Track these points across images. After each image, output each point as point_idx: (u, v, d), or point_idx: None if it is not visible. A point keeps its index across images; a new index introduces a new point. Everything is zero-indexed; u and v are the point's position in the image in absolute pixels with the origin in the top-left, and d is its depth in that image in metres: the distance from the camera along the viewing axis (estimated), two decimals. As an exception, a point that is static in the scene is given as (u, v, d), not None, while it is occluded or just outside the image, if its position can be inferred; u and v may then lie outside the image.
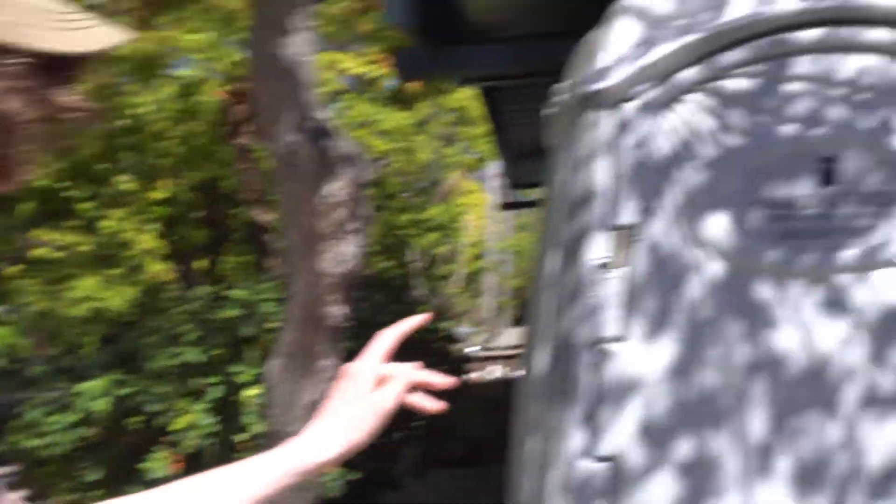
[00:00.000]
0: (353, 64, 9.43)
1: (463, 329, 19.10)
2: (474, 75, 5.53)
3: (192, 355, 4.23)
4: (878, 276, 2.67)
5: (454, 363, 7.49)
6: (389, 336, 1.11)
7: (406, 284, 13.19)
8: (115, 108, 9.12)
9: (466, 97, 13.52)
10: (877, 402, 2.64)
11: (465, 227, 22.18)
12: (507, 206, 14.68)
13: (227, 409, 4.17)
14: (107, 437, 4.17)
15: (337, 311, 2.92)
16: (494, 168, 17.75)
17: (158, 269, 11.37)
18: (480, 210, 23.24)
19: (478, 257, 23.75)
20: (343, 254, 2.85)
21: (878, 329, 2.65)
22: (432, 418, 7.07)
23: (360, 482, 6.34)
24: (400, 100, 10.48)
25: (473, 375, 12.37)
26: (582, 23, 2.98)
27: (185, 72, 9.52)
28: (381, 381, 1.07)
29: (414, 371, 1.11)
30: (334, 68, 9.28)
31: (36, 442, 4.09)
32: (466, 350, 13.76)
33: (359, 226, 2.89)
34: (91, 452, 4.13)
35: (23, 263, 16.89)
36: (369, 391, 1.05)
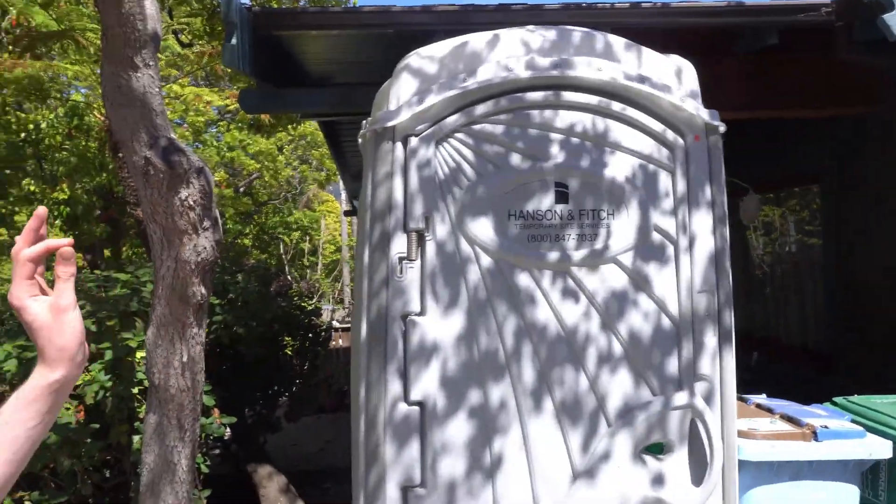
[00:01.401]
0: (216, 98, 9.09)
1: (325, 306, 18.87)
2: (309, 112, 5.45)
3: (86, 325, 3.99)
4: (604, 269, 2.83)
5: (319, 333, 7.36)
6: (22, 258, 0.88)
7: (278, 272, 12.84)
8: (15, 123, 8.45)
9: (316, 128, 13.33)
10: (610, 360, 2.81)
11: (322, 228, 21.86)
12: (349, 213, 14.59)
13: (122, 369, 3.96)
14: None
15: (199, 290, 2.82)
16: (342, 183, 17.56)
17: (70, 260, 10.65)
18: (334, 216, 22.97)
19: (335, 251, 23.46)
20: (200, 245, 2.75)
21: (606, 307, 2.81)
22: (305, 375, 7.02)
23: (247, 425, 6.18)
24: (260, 128, 10.20)
25: (336, 343, 12.22)
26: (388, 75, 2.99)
27: (75, 95, 8.93)
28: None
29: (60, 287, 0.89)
30: (201, 100, 8.92)
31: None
32: (332, 321, 13.58)
33: (210, 223, 2.79)
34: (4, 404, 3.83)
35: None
36: (49, 316, 0.87)
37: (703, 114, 2.91)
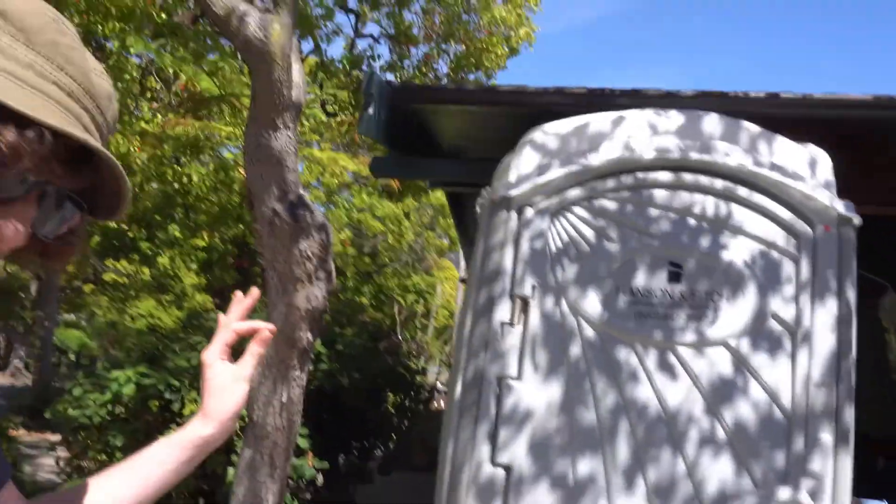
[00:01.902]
0: (350, 164, 9.63)
1: (432, 368, 18.96)
2: (436, 180, 5.65)
3: (201, 359, 4.27)
4: (710, 351, 2.75)
5: (421, 392, 7.44)
6: (230, 327, 0.99)
7: (392, 331, 13.13)
8: (171, 175, 9.26)
9: (443, 197, 13.70)
10: (711, 445, 2.70)
11: (438, 294, 22.19)
12: (465, 280, 14.74)
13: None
14: (132, 414, 4.16)
15: (305, 335, 2.96)
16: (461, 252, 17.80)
17: (200, 300, 11.44)
18: (452, 282, 23.29)
19: (448, 316, 23.67)
20: (312, 294, 2.90)
21: (712, 390, 2.72)
22: (402, 431, 7.08)
23: (338, 474, 6.27)
24: (391, 195, 10.63)
25: (437, 404, 12.24)
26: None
27: (227, 154, 9.74)
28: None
29: (252, 351, 0.99)
30: (336, 164, 9.47)
31: (77, 412, 4.09)
32: (436, 383, 13.63)
33: (325, 275, 2.94)
34: (118, 424, 4.13)
35: (95, 284, 16.89)
36: (228, 380, 0.96)
37: (837, 204, 2.82)
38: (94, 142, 0.65)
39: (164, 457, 0.92)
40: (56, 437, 4.92)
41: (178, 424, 4.15)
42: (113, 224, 10.38)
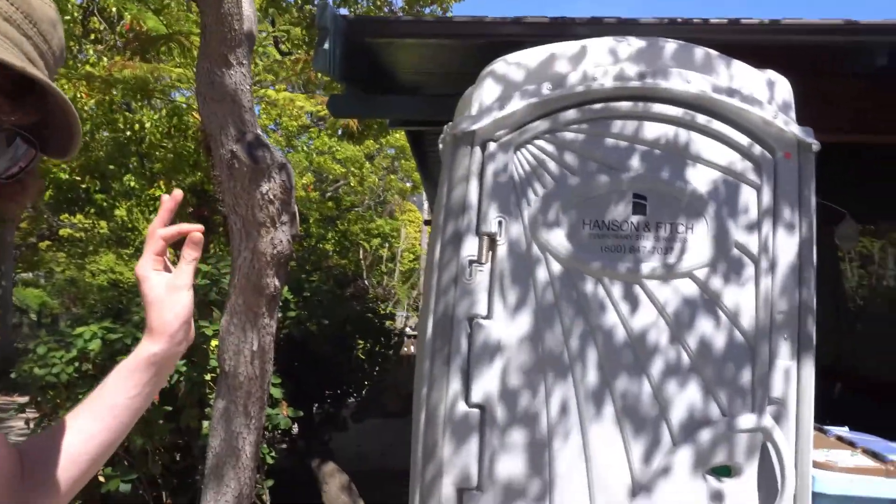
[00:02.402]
0: (308, 104, 9.43)
1: (400, 313, 19.11)
2: (396, 119, 5.56)
3: None
4: (676, 282, 2.78)
5: (392, 337, 7.48)
6: (156, 235, 0.95)
7: (358, 276, 13.13)
8: (122, 122, 8.98)
9: (404, 139, 13.56)
10: (677, 372, 2.75)
11: (402, 237, 22.16)
12: (429, 223, 14.74)
13: (197, 355, 4.14)
14: (100, 370, 4.12)
15: (272, 282, 2.92)
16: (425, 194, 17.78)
17: (162, 253, 11.25)
18: (416, 225, 23.26)
19: (413, 260, 23.73)
20: (276, 238, 2.85)
21: (677, 319, 2.76)
22: (374, 378, 7.15)
23: (313, 423, 6.33)
24: (351, 136, 10.46)
25: (408, 350, 12.34)
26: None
27: (180, 98, 9.45)
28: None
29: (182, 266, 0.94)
30: (294, 105, 9.27)
31: (43, 371, 4.04)
32: (405, 328, 13.74)
33: (288, 217, 2.89)
34: (87, 381, 4.09)
35: (51, 240, 16.58)
36: (164, 291, 0.92)
37: (796, 130, 2.83)
38: (35, 70, 0.61)
39: (123, 384, 0.90)
40: (24, 399, 4.86)
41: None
42: (64, 175, 10.06)
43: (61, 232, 16.46)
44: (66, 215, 14.31)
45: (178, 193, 0.97)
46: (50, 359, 4.07)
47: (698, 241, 2.81)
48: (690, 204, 2.82)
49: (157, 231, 0.94)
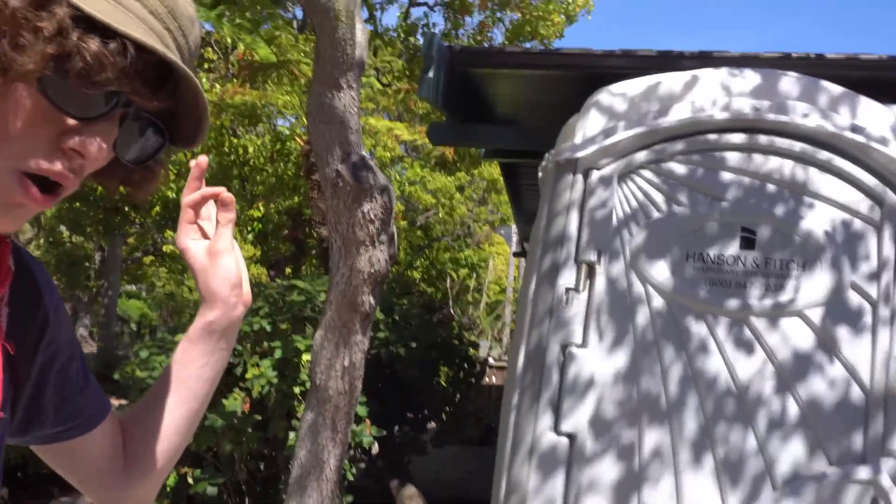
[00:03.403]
0: (405, 133, 9.63)
1: (483, 343, 19.02)
2: (492, 149, 5.58)
3: (262, 324, 4.36)
4: (785, 323, 2.65)
5: (475, 366, 7.47)
6: (189, 205, 0.91)
7: (443, 305, 13.20)
8: (228, 146, 9.40)
9: (496, 171, 13.64)
10: (784, 422, 2.60)
11: (490, 269, 22.16)
12: (518, 254, 14.70)
13: (288, 368, 4.24)
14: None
15: (368, 299, 2.96)
16: (514, 226, 17.74)
17: (255, 272, 11.67)
18: (503, 258, 23.23)
19: (500, 291, 23.65)
20: (374, 257, 2.89)
21: (786, 364, 2.62)
22: (455, 405, 7.13)
23: (393, 444, 6.35)
24: (444, 165, 10.59)
25: (490, 380, 12.27)
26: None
27: (282, 127, 9.82)
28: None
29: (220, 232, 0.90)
30: (391, 133, 9.48)
31: (144, 374, 4.22)
32: (487, 359, 13.67)
33: (387, 238, 2.93)
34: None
35: (154, 255, 17.48)
36: (205, 257, 0.89)
37: (923, 170, 2.66)
38: (176, 58, 0.64)
39: (188, 356, 0.90)
40: (123, 402, 5.11)
41: (241, 388, 4.25)
42: (171, 193, 10.60)
43: (165, 248, 17.35)
44: (171, 233, 15.11)
45: (202, 160, 0.93)
46: (151, 362, 4.26)
47: (811, 281, 2.67)
48: (805, 241, 2.69)
49: (184, 199, 0.92)
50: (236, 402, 4.21)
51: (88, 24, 0.59)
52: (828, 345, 2.63)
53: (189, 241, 0.90)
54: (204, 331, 0.89)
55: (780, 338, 2.64)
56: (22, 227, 0.71)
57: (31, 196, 0.63)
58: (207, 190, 0.91)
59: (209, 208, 0.92)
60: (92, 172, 0.69)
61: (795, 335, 2.64)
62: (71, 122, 0.62)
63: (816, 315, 2.64)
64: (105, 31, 0.59)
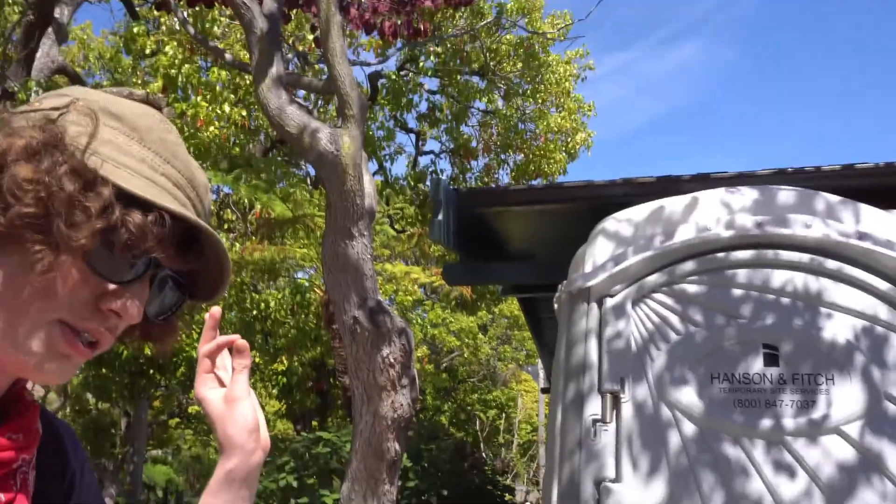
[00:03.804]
0: (422, 276, 9.77)
1: (519, 487, 18.24)
2: (508, 286, 5.63)
3: (288, 479, 4.26)
4: (824, 440, 2.56)
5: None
6: (206, 355, 0.93)
7: (474, 448, 12.81)
8: (248, 301, 9.55)
9: (517, 307, 13.67)
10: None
11: (520, 408, 21.68)
12: (546, 390, 14.41)
13: (316, 526, 4.08)
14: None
15: (393, 446, 2.89)
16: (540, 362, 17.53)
17: (281, 427, 11.48)
18: (532, 395, 22.78)
19: (531, 431, 22.98)
20: (397, 402, 2.86)
21: (832, 486, 2.50)
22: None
23: None
24: (464, 306, 10.65)
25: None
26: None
27: (301, 279, 10.01)
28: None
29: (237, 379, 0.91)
30: (409, 277, 9.62)
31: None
32: (524, 503, 13.04)
33: (409, 382, 2.91)
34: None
35: (180, 417, 17.31)
36: (222, 405, 0.90)
37: (937, 272, 2.65)
38: (204, 224, 0.72)
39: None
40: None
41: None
42: (195, 353, 10.69)
43: (190, 409, 17.23)
44: (192, 393, 15.09)
45: (216, 311, 0.95)
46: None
47: (844, 394, 2.59)
48: (829, 353, 2.64)
49: (200, 350, 0.95)
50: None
51: (128, 199, 0.67)
52: (871, 461, 2.51)
53: (206, 390, 0.92)
54: (224, 480, 0.89)
55: (820, 456, 2.53)
56: (69, 379, 0.75)
57: (75, 347, 0.68)
58: (222, 339, 0.94)
59: (224, 358, 0.95)
60: None
61: (836, 453, 2.53)
62: (111, 286, 0.68)
63: (854, 429, 2.54)
64: (143, 205, 0.67)
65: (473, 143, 9.68)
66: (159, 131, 0.73)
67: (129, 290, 0.69)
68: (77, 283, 0.66)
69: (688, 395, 2.65)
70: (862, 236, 2.73)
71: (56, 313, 0.67)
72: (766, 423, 2.59)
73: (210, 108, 6.38)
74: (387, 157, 9.21)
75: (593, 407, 2.69)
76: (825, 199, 2.87)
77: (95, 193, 0.65)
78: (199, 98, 6.40)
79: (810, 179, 3.94)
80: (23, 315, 0.66)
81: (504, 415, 19.57)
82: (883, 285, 2.68)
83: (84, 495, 0.83)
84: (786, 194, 2.88)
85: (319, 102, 8.82)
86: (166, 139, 0.73)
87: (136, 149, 0.70)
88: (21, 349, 0.66)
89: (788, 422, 2.58)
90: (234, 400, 0.90)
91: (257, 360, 10.81)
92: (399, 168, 21.38)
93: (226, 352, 0.94)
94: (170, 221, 0.68)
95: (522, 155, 9.36)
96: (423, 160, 10.04)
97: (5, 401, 0.73)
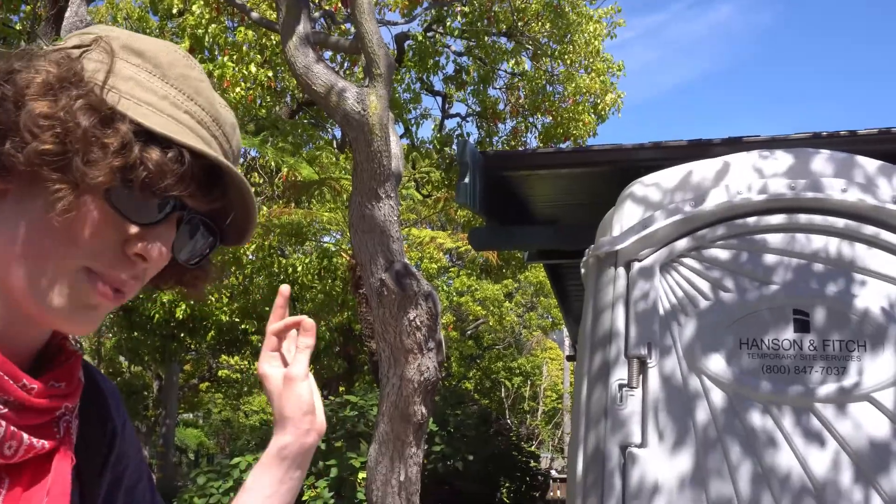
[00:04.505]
0: (448, 241, 9.77)
1: (544, 454, 18.40)
2: (534, 251, 5.61)
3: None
4: (853, 408, 2.53)
5: (538, 479, 7.20)
6: (273, 333, 0.94)
7: (499, 415, 12.92)
8: (276, 266, 9.63)
9: (542, 274, 13.65)
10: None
11: (545, 376, 21.76)
12: (571, 358, 14.43)
13: (344, 487, 4.17)
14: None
15: (420, 409, 2.93)
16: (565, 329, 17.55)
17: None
18: (558, 363, 22.84)
19: (556, 399, 23.09)
20: (423, 365, 2.88)
21: (862, 455, 2.49)
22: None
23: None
24: (489, 272, 10.65)
25: (554, 494, 11.74)
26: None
27: (328, 244, 10.07)
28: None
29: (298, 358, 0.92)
30: (435, 243, 9.62)
31: (202, 501, 4.18)
32: (549, 471, 13.17)
33: (435, 345, 2.93)
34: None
35: (210, 381, 17.68)
36: (281, 383, 0.91)
37: (977, 237, 2.59)
38: (225, 160, 0.70)
39: (259, 483, 0.90)
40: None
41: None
42: (225, 317, 10.83)
43: (220, 373, 17.58)
44: (226, 357, 15.32)
45: (285, 290, 0.96)
46: (208, 489, 4.24)
47: (876, 362, 2.55)
48: (861, 319, 2.60)
49: (268, 327, 0.95)
50: (295, 527, 4.13)
51: (148, 136, 0.65)
52: (904, 428, 2.48)
53: (269, 367, 0.94)
54: (276, 456, 0.90)
55: (851, 425, 2.51)
56: (95, 328, 0.73)
57: (102, 293, 0.67)
58: (291, 319, 0.95)
59: (290, 338, 0.95)
60: None
61: (867, 421, 2.50)
62: (134, 228, 0.67)
63: (886, 397, 2.51)
64: (163, 142, 0.66)
65: (501, 106, 9.58)
66: (182, 67, 0.72)
67: (153, 233, 0.68)
68: (99, 224, 0.66)
69: (716, 363, 2.64)
70: (899, 201, 2.66)
71: (81, 260, 0.66)
72: (796, 390, 2.57)
73: (237, 69, 6.38)
74: (413, 121, 9.16)
75: (620, 373, 2.69)
76: (861, 163, 2.80)
77: (113, 129, 0.64)
78: (225, 59, 6.40)
79: (846, 144, 3.85)
80: (47, 264, 0.66)
81: (529, 382, 19.68)
82: (921, 251, 2.63)
83: (126, 450, 0.84)
84: (820, 158, 2.82)
85: (346, 64, 8.77)
86: (189, 75, 0.72)
87: (159, 85, 0.69)
88: (47, 299, 0.66)
89: (818, 389, 2.56)
90: (293, 379, 0.91)
91: (284, 325, 10.93)
92: (425, 132, 21.27)
93: (292, 332, 0.95)
94: (189, 159, 0.67)
95: (550, 118, 9.24)
96: (450, 123, 10.01)
97: (47, 352, 0.74)
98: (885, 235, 2.65)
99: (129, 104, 0.66)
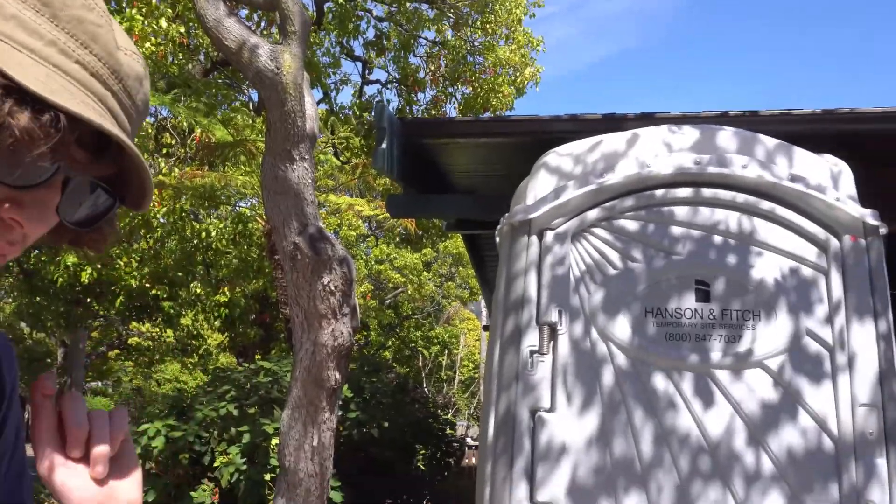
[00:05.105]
0: (366, 208, 9.71)
1: (460, 422, 18.70)
2: (452, 220, 5.64)
3: (229, 408, 4.27)
4: (748, 374, 2.68)
5: (452, 445, 7.31)
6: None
7: (417, 384, 13.05)
8: (188, 230, 9.36)
9: (461, 245, 13.76)
10: (760, 478, 2.60)
11: (462, 345, 22.06)
12: (487, 328, 14.69)
13: (257, 453, 4.13)
14: (163, 469, 4.13)
15: (333, 374, 2.91)
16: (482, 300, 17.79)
17: (224, 361, 11.47)
18: (475, 333, 23.18)
19: (473, 369, 23.47)
20: (337, 330, 2.87)
21: (754, 418, 2.63)
22: (435, 487, 6.92)
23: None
24: (409, 242, 10.66)
25: (470, 461, 11.97)
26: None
27: (243, 209, 9.86)
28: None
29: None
30: (353, 210, 9.55)
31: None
32: (465, 438, 13.41)
33: (349, 310, 2.91)
34: (150, 480, 4.09)
35: (120, 349, 17.09)
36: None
37: (861, 214, 2.76)
38: (112, 127, 0.62)
39: None
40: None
41: (209, 478, 4.11)
42: (134, 282, 10.43)
43: (130, 341, 17.00)
44: (136, 324, 14.81)
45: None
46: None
47: (768, 330, 2.71)
48: (757, 290, 2.75)
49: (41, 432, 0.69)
50: (205, 494, 4.07)
51: (22, 93, 0.56)
52: (791, 394, 2.65)
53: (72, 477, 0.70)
54: None
55: (745, 390, 2.66)
56: None
57: None
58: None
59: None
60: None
61: (759, 386, 2.66)
62: (6, 191, 0.60)
63: (777, 364, 2.67)
64: (38, 102, 0.57)
65: (421, 74, 9.53)
66: (77, 8, 0.62)
67: (32, 196, 0.61)
68: None
69: (622, 329, 2.74)
70: (794, 179, 2.81)
71: None
72: (695, 357, 2.70)
73: (146, 23, 6.06)
74: (332, 86, 9.00)
75: (531, 338, 2.75)
76: (763, 141, 2.94)
77: None
78: (133, 11, 6.07)
79: (750, 123, 4.01)
80: None
81: (447, 352, 19.92)
82: (813, 228, 2.79)
83: (8, 416, 0.75)
84: (725, 135, 2.94)
85: (263, 24, 8.51)
86: (85, 18, 0.62)
87: (47, 28, 0.59)
88: None
89: (715, 355, 2.70)
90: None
91: (199, 291, 10.66)
92: (345, 97, 20.89)
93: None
94: (66, 124, 0.58)
95: (470, 88, 9.26)
96: (370, 90, 9.86)
97: None
98: (781, 211, 2.80)
99: (6, 49, 0.57)
